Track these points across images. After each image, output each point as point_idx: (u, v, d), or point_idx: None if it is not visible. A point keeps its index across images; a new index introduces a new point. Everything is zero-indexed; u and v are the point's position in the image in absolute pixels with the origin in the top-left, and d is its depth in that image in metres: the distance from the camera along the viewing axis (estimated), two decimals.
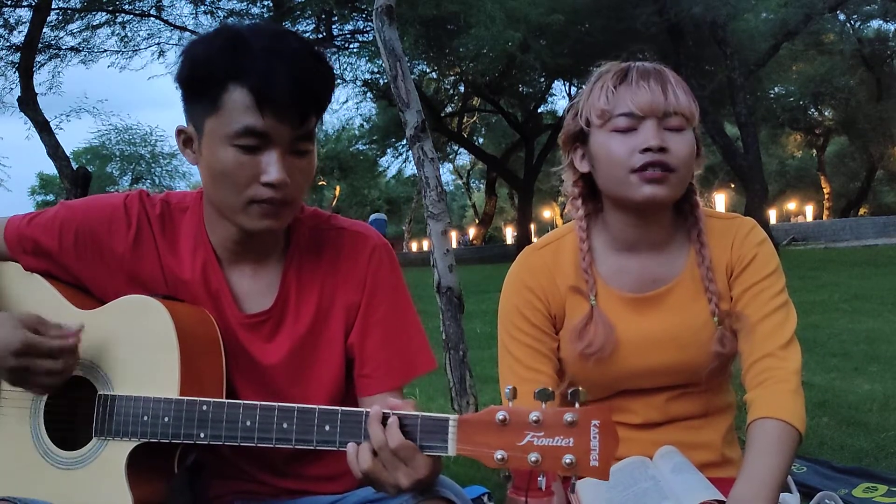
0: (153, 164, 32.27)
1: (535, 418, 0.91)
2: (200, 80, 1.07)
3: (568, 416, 0.90)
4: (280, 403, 1.02)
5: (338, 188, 34.75)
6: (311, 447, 1.01)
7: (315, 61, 1.08)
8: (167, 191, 1.29)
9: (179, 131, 1.14)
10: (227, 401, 1.05)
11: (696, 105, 1.24)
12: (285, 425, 1.01)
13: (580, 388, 0.92)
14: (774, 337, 1.24)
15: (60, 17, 14.47)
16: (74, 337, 1.09)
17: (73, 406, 1.15)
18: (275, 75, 1.03)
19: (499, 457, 0.92)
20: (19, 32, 13.74)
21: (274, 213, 1.10)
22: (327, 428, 1.00)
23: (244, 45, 1.04)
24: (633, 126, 1.20)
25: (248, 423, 1.03)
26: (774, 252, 1.31)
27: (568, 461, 0.90)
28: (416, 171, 3.04)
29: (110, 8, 15.00)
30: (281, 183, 1.07)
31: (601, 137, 1.24)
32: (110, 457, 1.08)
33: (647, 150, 1.19)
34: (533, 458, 0.91)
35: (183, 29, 16.04)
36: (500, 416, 0.92)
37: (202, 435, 1.05)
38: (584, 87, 1.32)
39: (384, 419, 0.97)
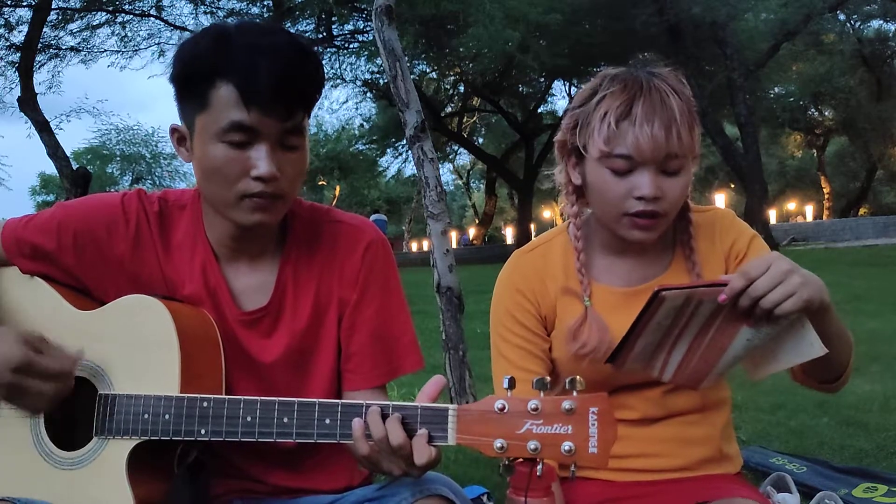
0: (153, 165, 32.27)
1: (533, 406, 0.92)
2: (189, 78, 1.08)
3: (566, 404, 0.91)
4: (280, 398, 1.03)
5: (337, 188, 34.73)
6: (312, 441, 1.01)
7: (300, 56, 1.07)
8: (165, 189, 1.29)
9: (173, 129, 1.15)
10: (227, 397, 1.05)
11: (698, 131, 1.21)
12: (286, 419, 1.02)
13: (578, 377, 0.92)
14: None
15: (60, 17, 14.49)
16: (72, 362, 1.07)
17: (74, 406, 1.14)
18: (257, 70, 1.03)
19: (498, 445, 0.92)
20: (19, 32, 13.75)
21: (265, 206, 1.10)
22: (327, 421, 1.01)
23: (228, 42, 1.05)
24: (630, 168, 1.19)
25: (249, 419, 1.03)
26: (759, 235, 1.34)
27: (567, 448, 0.90)
28: (416, 171, 3.04)
29: (110, 8, 15.01)
30: (270, 176, 1.07)
31: (597, 169, 1.22)
32: (111, 456, 1.08)
33: (641, 197, 1.18)
34: (532, 447, 0.91)
35: (183, 29, 16.04)
36: (498, 405, 0.93)
37: (203, 431, 1.05)
38: (582, 87, 1.30)
39: (384, 415, 0.98)
